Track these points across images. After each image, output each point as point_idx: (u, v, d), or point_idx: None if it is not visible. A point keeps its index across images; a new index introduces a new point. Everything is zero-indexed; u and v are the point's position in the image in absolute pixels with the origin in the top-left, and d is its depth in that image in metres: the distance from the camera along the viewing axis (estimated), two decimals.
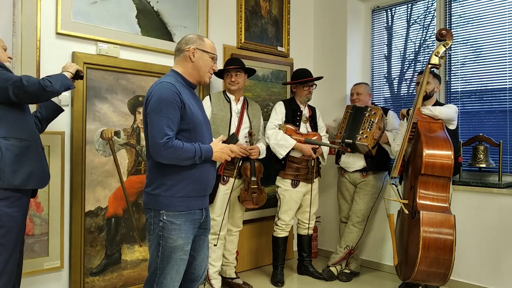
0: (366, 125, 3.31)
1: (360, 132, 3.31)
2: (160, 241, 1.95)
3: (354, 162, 3.46)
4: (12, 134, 2.03)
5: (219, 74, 3.18)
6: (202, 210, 2.07)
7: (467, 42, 3.47)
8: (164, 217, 1.94)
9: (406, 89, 3.93)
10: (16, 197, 2.02)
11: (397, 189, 2.95)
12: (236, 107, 3.13)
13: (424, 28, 3.79)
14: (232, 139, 2.15)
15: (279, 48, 3.96)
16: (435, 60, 2.81)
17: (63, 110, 2.44)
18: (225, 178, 3.05)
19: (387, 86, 4.06)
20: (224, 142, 2.12)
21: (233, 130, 3.06)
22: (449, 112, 2.89)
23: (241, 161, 3.06)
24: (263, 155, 3.19)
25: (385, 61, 4.06)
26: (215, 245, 3.02)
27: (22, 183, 2.03)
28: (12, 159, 2.00)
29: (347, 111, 3.53)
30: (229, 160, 2.14)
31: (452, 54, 3.54)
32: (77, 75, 2.34)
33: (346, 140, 3.37)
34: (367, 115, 3.35)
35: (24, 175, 2.04)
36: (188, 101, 1.98)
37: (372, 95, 3.70)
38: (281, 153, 3.21)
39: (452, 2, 3.55)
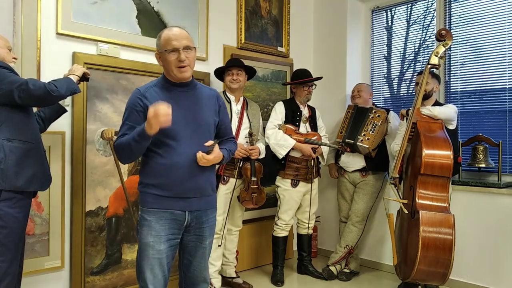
0: (369, 127, 3.31)
1: (362, 134, 3.31)
2: (138, 235, 1.99)
3: (354, 161, 3.47)
4: (16, 136, 2.03)
5: (219, 74, 3.19)
6: (185, 213, 1.97)
7: (467, 42, 3.48)
8: (140, 212, 1.98)
9: (406, 89, 3.93)
10: (18, 197, 2.02)
11: (397, 189, 2.96)
12: (236, 107, 3.14)
13: (424, 28, 3.80)
14: (211, 146, 1.98)
15: (279, 48, 3.96)
16: (434, 60, 2.82)
17: (66, 111, 2.44)
18: (226, 178, 3.06)
19: (387, 86, 4.07)
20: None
21: (233, 130, 3.06)
22: (448, 112, 2.90)
23: (241, 162, 3.06)
24: (262, 155, 3.20)
25: (385, 61, 4.07)
26: (219, 246, 3.04)
27: (24, 185, 2.03)
28: (15, 161, 2.00)
29: (348, 111, 3.54)
30: (161, 126, 1.81)
31: (451, 54, 3.54)
32: (84, 77, 2.34)
33: (347, 140, 3.38)
34: (371, 116, 3.35)
35: (27, 177, 2.04)
36: (156, 103, 1.87)
37: (372, 95, 3.70)
38: (281, 153, 3.22)
39: (452, 2, 3.56)
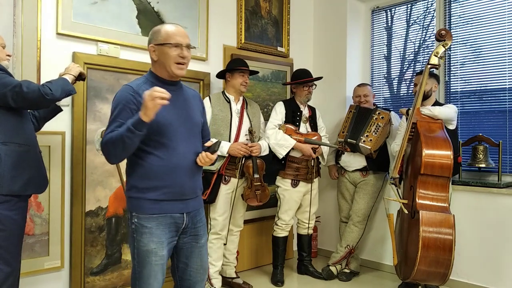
0: (372, 128, 3.30)
1: (365, 135, 3.30)
2: (134, 244, 1.87)
3: (355, 161, 3.47)
4: (11, 139, 1.99)
5: (220, 74, 3.19)
6: (183, 215, 1.92)
7: (467, 42, 3.48)
8: (135, 220, 1.85)
9: (406, 89, 3.94)
10: (15, 200, 2.00)
11: (397, 189, 2.96)
12: (236, 107, 3.13)
13: (424, 28, 3.80)
14: (215, 145, 1.97)
15: (279, 49, 3.96)
16: (434, 60, 2.82)
17: (61, 110, 2.41)
18: (227, 178, 3.05)
19: (387, 86, 4.07)
20: (208, 148, 1.97)
21: (234, 130, 3.07)
22: (448, 112, 2.90)
23: (243, 159, 3.06)
24: (265, 152, 3.19)
25: (385, 61, 4.07)
26: (224, 244, 3.07)
27: (21, 189, 2.01)
28: (11, 164, 1.97)
29: (350, 111, 3.54)
30: (153, 109, 1.70)
31: (451, 54, 3.55)
32: (79, 77, 2.31)
33: (349, 140, 3.37)
34: (374, 118, 3.35)
35: (23, 181, 2.01)
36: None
37: (374, 97, 3.71)
38: (281, 153, 3.22)
39: (451, 2, 3.56)
